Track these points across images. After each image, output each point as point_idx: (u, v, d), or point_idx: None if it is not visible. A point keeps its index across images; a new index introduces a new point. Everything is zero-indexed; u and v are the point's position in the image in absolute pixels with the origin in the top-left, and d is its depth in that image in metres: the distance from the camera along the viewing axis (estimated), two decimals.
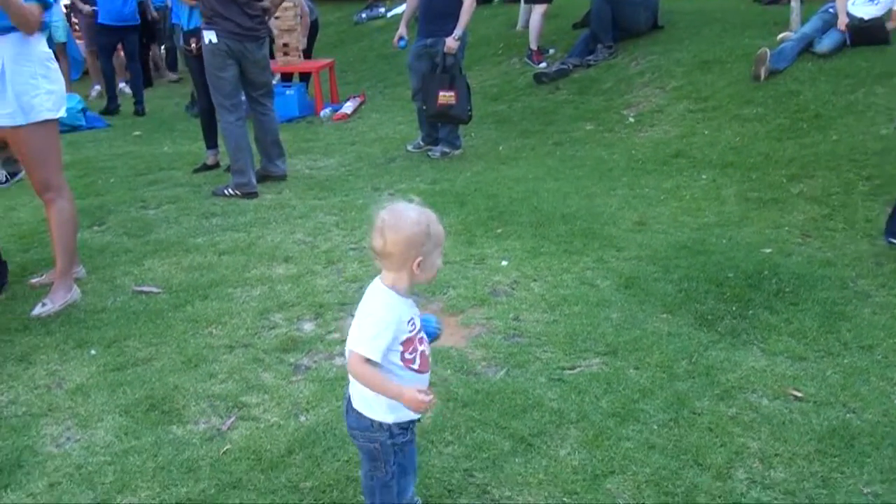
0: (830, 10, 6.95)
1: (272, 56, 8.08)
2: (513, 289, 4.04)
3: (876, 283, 3.94)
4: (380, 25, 13.03)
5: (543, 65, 8.84)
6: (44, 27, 3.80)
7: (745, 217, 4.89)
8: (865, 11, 6.77)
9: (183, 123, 8.93)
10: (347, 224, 5.05)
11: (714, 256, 4.26)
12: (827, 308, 3.66)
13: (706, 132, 6.40)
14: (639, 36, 8.58)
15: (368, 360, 2.00)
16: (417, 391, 1.99)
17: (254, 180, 5.83)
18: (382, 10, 13.60)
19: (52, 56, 3.89)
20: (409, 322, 2.05)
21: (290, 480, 2.61)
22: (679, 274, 4.08)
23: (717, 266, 4.12)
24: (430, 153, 6.79)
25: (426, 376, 2.14)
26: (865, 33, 6.74)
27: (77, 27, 11.78)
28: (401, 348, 2.04)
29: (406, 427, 2.14)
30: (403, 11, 7.26)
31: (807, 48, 6.89)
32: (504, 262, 4.34)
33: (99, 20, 9.58)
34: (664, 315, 3.69)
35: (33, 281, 4.25)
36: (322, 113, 8.93)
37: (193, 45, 6.06)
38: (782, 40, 7.09)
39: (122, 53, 10.25)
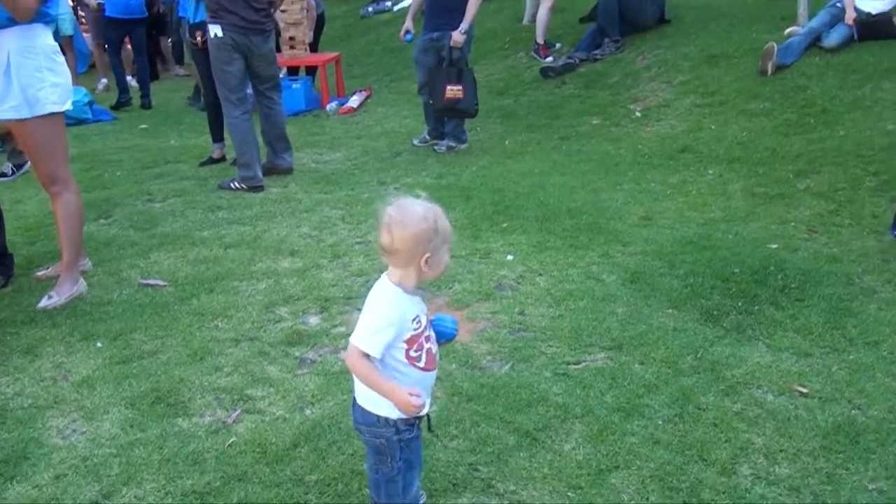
0: (838, 4, 6.91)
1: (278, 50, 8.08)
2: (518, 283, 4.04)
3: (882, 279, 3.93)
4: (386, 19, 13.02)
5: (550, 59, 8.83)
6: (49, 19, 3.80)
7: (751, 212, 4.88)
8: (873, 6, 6.73)
9: (189, 117, 8.94)
10: (353, 218, 5.06)
11: (720, 252, 4.25)
12: (833, 304, 3.65)
13: (713, 127, 6.38)
14: (646, 30, 8.56)
15: (367, 356, 1.99)
16: (409, 393, 1.97)
17: (260, 174, 5.83)
18: (388, 3, 13.59)
19: (58, 49, 3.89)
20: (414, 320, 2.03)
21: (295, 473, 2.62)
22: (685, 269, 4.07)
23: (723, 261, 4.12)
24: (435, 147, 6.79)
25: (433, 374, 2.13)
26: (873, 28, 6.71)
27: (83, 20, 11.79)
28: (405, 346, 2.03)
29: (412, 423, 2.13)
30: (409, 5, 7.26)
31: (814, 43, 6.87)
32: (509, 257, 4.34)
33: (106, 13, 9.59)
34: (669, 310, 3.68)
35: (39, 274, 4.26)
36: (328, 107, 8.93)
37: (199, 38, 6.06)
38: (789, 35, 7.06)
39: (128, 47, 10.26)
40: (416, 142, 7.00)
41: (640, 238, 4.53)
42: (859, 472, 2.56)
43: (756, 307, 3.66)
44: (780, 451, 2.68)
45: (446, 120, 6.72)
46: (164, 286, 4.12)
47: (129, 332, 3.62)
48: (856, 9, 6.74)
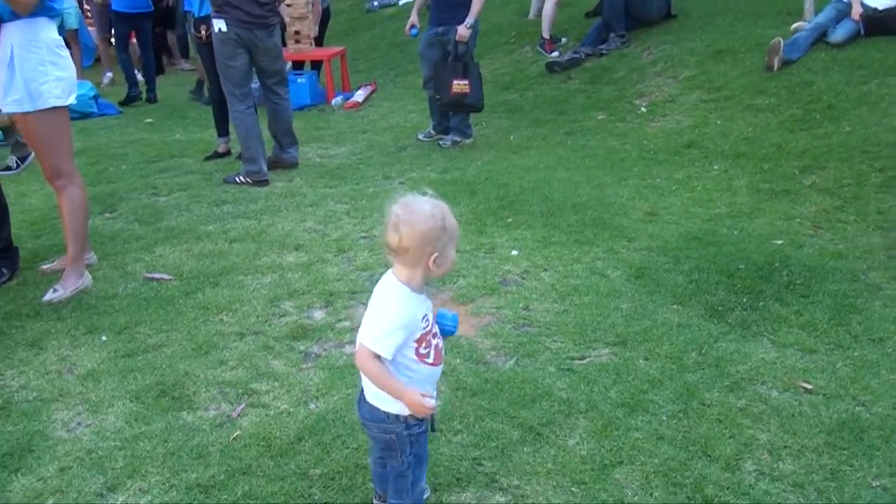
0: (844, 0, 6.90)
1: (284, 44, 8.07)
2: (523, 278, 4.04)
3: (887, 275, 3.92)
4: (391, 13, 13.00)
5: (555, 54, 8.80)
6: (54, 13, 3.80)
7: (756, 208, 4.87)
8: (880, 2, 6.70)
9: (194, 111, 8.94)
10: (358, 212, 5.06)
11: (725, 248, 4.24)
12: (837, 300, 3.65)
13: (718, 122, 6.36)
14: (651, 25, 8.54)
15: (377, 356, 1.99)
16: (421, 394, 1.97)
17: (265, 168, 5.83)
18: None
19: (62, 43, 3.88)
20: (423, 319, 2.03)
21: (299, 467, 2.62)
22: (690, 265, 4.06)
23: (728, 257, 4.11)
24: (440, 142, 6.78)
25: (440, 368, 2.14)
26: (880, 24, 6.68)
27: (89, 14, 11.79)
28: (415, 345, 2.03)
29: (421, 418, 2.12)
30: (415, 0, 7.24)
31: (820, 38, 6.83)
32: (514, 252, 4.33)
33: (112, 7, 9.59)
34: (674, 306, 3.68)
35: (44, 267, 4.27)
36: (333, 101, 8.92)
37: (203, 32, 6.06)
38: (796, 30, 7.03)
39: (133, 40, 10.25)
40: (421, 136, 7.00)
41: (645, 233, 4.53)
42: (863, 469, 2.56)
43: (761, 303, 3.66)
44: (785, 447, 2.67)
45: (451, 114, 6.71)
46: (170, 280, 4.12)
47: (134, 325, 3.63)
48: (862, 4, 6.71)
